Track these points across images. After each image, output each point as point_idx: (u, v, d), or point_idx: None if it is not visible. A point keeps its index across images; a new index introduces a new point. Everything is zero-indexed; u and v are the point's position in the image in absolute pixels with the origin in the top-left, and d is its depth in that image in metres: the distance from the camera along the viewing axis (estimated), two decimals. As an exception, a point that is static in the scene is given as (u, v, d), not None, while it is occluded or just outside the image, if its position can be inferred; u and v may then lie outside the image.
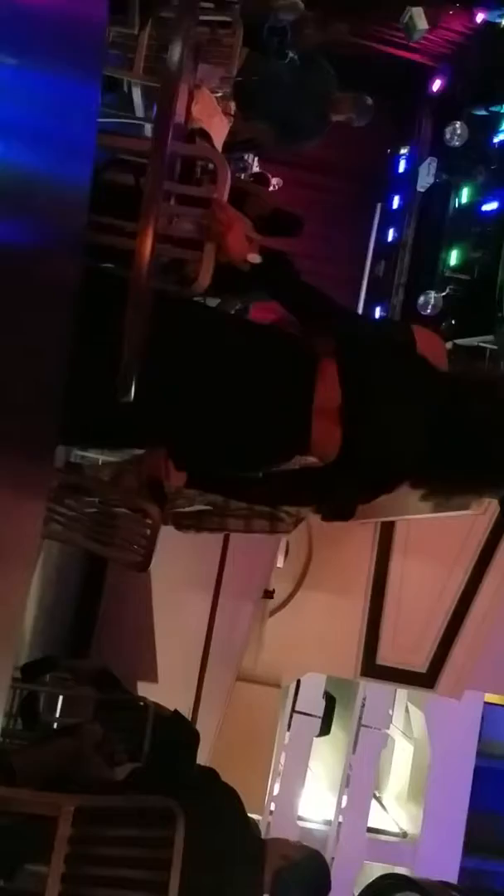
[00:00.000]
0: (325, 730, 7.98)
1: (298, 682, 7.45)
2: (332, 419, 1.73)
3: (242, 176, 5.73)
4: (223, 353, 1.79)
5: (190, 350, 1.78)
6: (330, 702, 7.98)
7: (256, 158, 6.60)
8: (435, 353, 1.80)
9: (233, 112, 4.16)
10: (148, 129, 3.31)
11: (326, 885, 2.60)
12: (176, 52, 1.80)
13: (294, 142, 4.80)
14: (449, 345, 7.58)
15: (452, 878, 7.57)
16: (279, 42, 4.30)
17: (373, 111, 4.73)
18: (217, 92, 3.80)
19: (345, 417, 1.72)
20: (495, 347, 7.09)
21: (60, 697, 3.66)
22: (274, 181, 6.45)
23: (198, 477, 1.88)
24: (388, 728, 8.62)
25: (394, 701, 8.68)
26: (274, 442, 1.80)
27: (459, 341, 7.37)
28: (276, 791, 7.51)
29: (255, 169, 6.36)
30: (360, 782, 8.27)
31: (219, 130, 3.66)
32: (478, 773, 8.64)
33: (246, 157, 6.23)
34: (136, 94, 3.58)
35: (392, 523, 6.48)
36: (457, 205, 7.96)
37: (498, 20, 7.93)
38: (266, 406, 1.77)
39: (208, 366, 1.78)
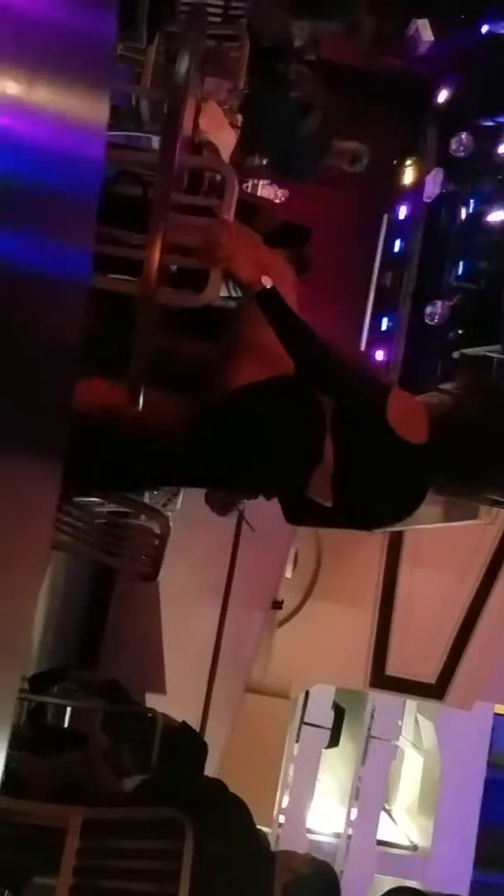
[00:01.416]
0: (334, 741, 7.95)
1: (307, 693, 7.42)
2: (327, 483, 1.83)
3: (250, 188, 5.76)
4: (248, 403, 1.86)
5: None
6: (339, 713, 7.95)
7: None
8: (409, 421, 1.85)
9: (240, 124, 4.18)
10: (156, 141, 3.33)
11: (336, 899, 2.57)
12: (183, 66, 1.82)
13: (288, 178, 4.83)
14: (456, 354, 7.58)
15: (464, 891, 7.50)
16: (281, 67, 4.34)
17: (369, 156, 4.77)
18: (224, 104, 3.82)
19: (336, 485, 1.82)
20: (503, 357, 7.08)
21: (68, 709, 3.65)
22: (279, 193, 6.47)
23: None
24: (397, 739, 8.57)
25: (403, 712, 8.63)
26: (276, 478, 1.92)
27: (466, 351, 7.37)
28: (284, 803, 7.48)
29: (263, 182, 6.39)
30: (369, 794, 8.22)
31: (226, 143, 3.68)
32: (488, 785, 8.57)
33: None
34: (144, 108, 3.61)
35: (401, 534, 6.47)
36: (463, 215, 7.98)
37: (503, 32, 7.96)
38: (287, 458, 1.87)
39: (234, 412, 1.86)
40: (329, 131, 4.48)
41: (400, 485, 1.89)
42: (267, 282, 1.83)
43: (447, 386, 1.97)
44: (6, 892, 2.38)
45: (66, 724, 3.58)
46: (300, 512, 1.96)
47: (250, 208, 3.47)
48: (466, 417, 1.86)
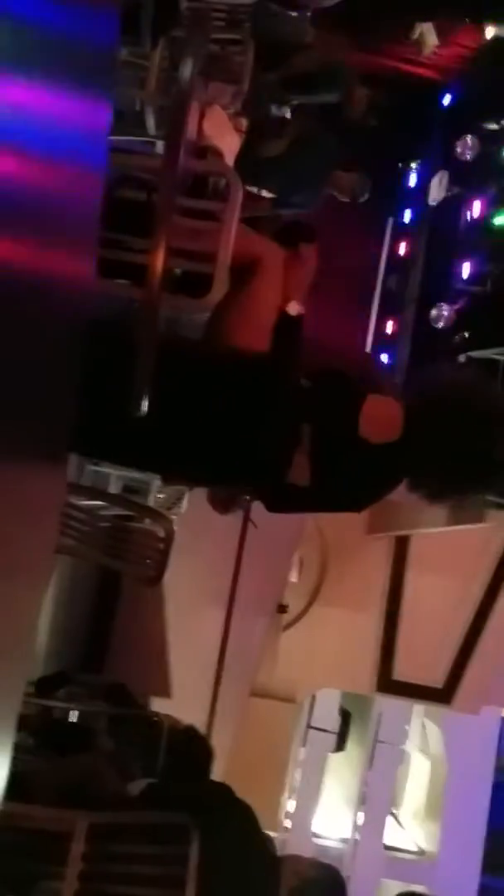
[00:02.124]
0: (340, 746, 7.92)
1: (313, 697, 7.40)
2: (304, 474, 1.85)
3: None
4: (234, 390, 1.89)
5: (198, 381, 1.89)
6: (345, 717, 7.93)
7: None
8: (384, 427, 1.88)
9: (244, 129, 4.19)
10: (160, 146, 3.34)
11: (343, 904, 2.57)
12: (187, 71, 1.82)
13: (286, 208, 4.81)
14: (462, 357, 7.56)
15: (471, 897, 7.47)
16: (282, 82, 4.34)
17: (369, 187, 4.74)
18: (228, 109, 3.83)
19: (313, 467, 1.85)
20: (509, 359, 7.07)
21: (74, 712, 3.65)
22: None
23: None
24: (404, 744, 8.54)
25: (410, 716, 8.60)
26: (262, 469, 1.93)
27: (473, 354, 7.36)
28: (291, 807, 7.45)
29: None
30: (376, 799, 8.19)
31: (230, 148, 3.69)
32: (495, 789, 8.54)
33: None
34: (149, 113, 3.62)
35: (407, 538, 6.45)
36: (468, 218, 7.97)
37: (508, 34, 7.95)
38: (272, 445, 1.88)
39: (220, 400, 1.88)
40: (327, 165, 4.40)
41: (373, 472, 1.90)
42: (293, 308, 1.88)
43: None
44: (12, 896, 2.38)
45: (72, 725, 3.58)
46: (280, 499, 1.97)
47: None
48: (436, 415, 1.87)
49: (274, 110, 4.30)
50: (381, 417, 1.89)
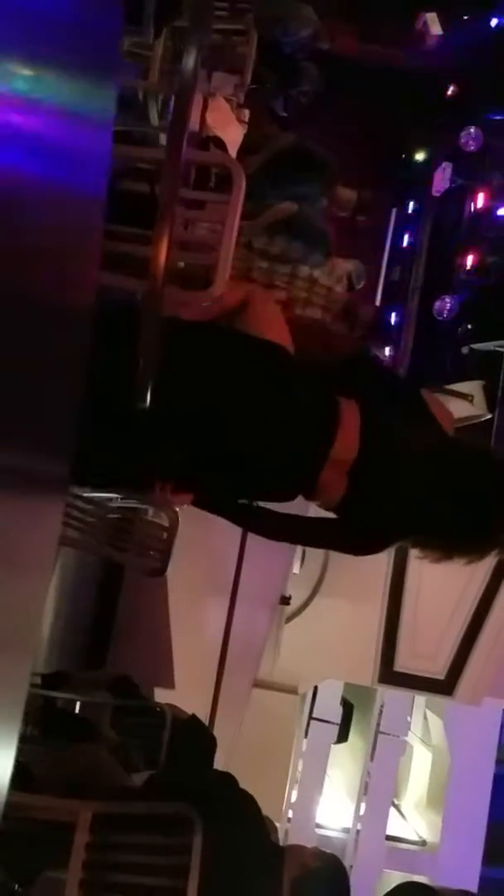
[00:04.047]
0: (342, 737, 7.94)
1: (316, 688, 7.42)
2: (342, 470, 1.74)
3: None
4: (252, 382, 1.78)
5: (219, 374, 1.79)
6: (347, 709, 7.95)
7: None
8: (444, 418, 1.86)
9: (247, 120, 4.17)
10: (163, 137, 3.33)
11: (346, 893, 2.58)
12: (190, 62, 1.81)
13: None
14: (465, 349, 7.55)
15: (472, 887, 7.50)
16: (293, 70, 4.28)
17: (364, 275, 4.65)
18: (231, 100, 3.82)
19: (356, 472, 1.74)
20: (512, 351, 7.06)
21: (78, 703, 3.67)
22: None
23: (204, 500, 1.90)
24: (406, 735, 8.57)
25: (412, 708, 8.62)
26: (286, 481, 1.80)
27: (475, 346, 7.35)
28: (293, 798, 7.48)
29: None
30: (378, 790, 8.22)
31: (234, 138, 3.68)
32: (497, 780, 8.56)
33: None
34: (151, 104, 3.61)
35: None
36: (472, 209, 7.95)
37: (512, 24, 7.91)
38: (285, 441, 1.77)
39: (235, 391, 1.78)
40: (330, 182, 4.23)
41: (425, 478, 1.77)
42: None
43: (453, 386, 1.98)
44: (16, 885, 2.39)
45: (76, 717, 3.59)
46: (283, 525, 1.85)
47: None
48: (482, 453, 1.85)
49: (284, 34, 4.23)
50: (441, 407, 1.84)
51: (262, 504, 1.88)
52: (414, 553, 1.88)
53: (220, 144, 3.40)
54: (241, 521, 1.99)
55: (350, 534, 1.81)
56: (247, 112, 4.15)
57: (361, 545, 1.86)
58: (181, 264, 2.38)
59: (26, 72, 0.88)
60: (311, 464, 1.75)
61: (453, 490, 1.76)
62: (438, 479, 1.76)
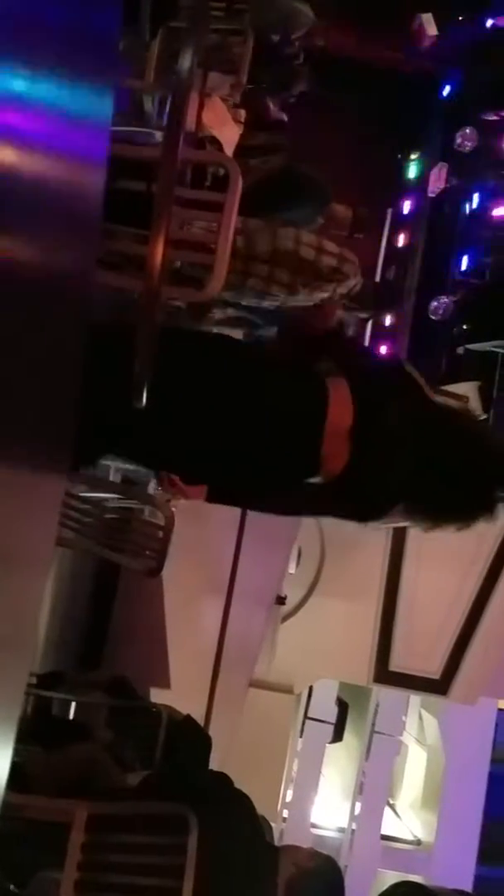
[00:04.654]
0: (337, 736, 7.95)
1: (311, 688, 7.43)
2: (343, 437, 1.81)
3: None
4: (241, 380, 1.86)
5: (208, 377, 1.85)
6: (343, 708, 7.96)
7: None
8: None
9: (243, 119, 4.17)
10: (159, 137, 3.33)
11: (340, 893, 2.58)
12: (186, 62, 1.81)
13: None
14: (461, 350, 7.56)
15: (467, 886, 7.50)
16: (287, 70, 4.26)
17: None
18: (227, 100, 3.82)
19: (356, 435, 1.80)
20: (507, 352, 7.07)
21: (73, 704, 3.67)
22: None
23: (216, 492, 1.94)
24: (401, 735, 8.57)
25: (407, 707, 8.63)
26: (290, 462, 1.86)
27: (471, 346, 7.36)
28: (288, 798, 7.49)
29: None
30: (373, 789, 8.22)
31: (230, 138, 3.68)
32: (492, 780, 8.58)
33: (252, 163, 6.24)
34: (148, 103, 3.61)
35: (404, 529, 6.45)
36: (467, 210, 7.96)
37: (508, 25, 7.92)
38: (283, 427, 1.84)
39: (226, 392, 1.84)
40: (323, 206, 4.15)
41: (417, 438, 1.85)
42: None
43: (449, 387, 2.02)
44: (12, 886, 2.39)
45: (71, 718, 3.59)
46: (311, 498, 1.91)
47: None
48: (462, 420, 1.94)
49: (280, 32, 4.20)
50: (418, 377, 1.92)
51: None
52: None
53: (217, 144, 3.40)
54: (250, 504, 2.06)
55: (355, 498, 1.87)
56: (243, 112, 4.15)
57: (365, 509, 1.93)
58: (177, 263, 2.38)
59: (23, 72, 0.88)
60: (310, 441, 1.82)
61: (445, 450, 1.85)
62: (429, 440, 1.85)
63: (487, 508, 1.88)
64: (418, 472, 1.83)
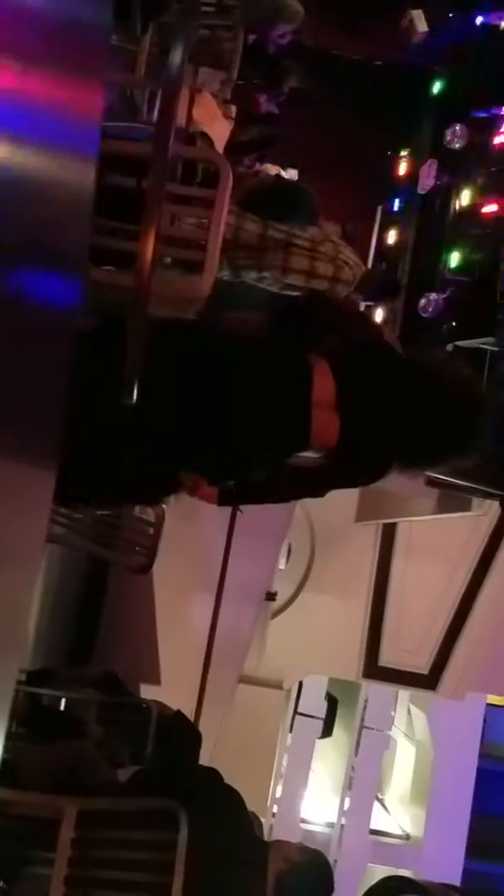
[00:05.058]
0: (327, 732, 7.97)
1: (300, 683, 7.45)
2: (330, 408, 1.90)
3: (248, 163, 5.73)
4: (228, 364, 1.91)
5: (197, 365, 1.90)
6: (332, 703, 7.98)
7: (257, 162, 6.61)
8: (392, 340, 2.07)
9: (234, 115, 4.16)
10: (149, 132, 3.32)
11: (329, 888, 2.59)
12: (177, 57, 1.81)
13: None
14: (450, 346, 7.57)
15: (456, 880, 7.55)
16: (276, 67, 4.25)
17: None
18: (217, 96, 3.81)
19: (342, 405, 1.89)
20: (496, 349, 7.09)
21: (63, 700, 3.66)
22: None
23: (224, 491, 2.03)
24: (390, 730, 8.61)
25: (396, 702, 8.67)
26: (280, 438, 1.94)
27: (460, 343, 7.37)
28: (278, 793, 7.51)
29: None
30: (362, 784, 8.26)
31: (220, 134, 3.67)
32: (480, 775, 8.63)
33: (246, 160, 6.24)
34: (138, 99, 3.59)
35: (394, 525, 6.48)
36: (457, 207, 7.96)
37: (497, 22, 7.93)
38: (270, 406, 1.91)
39: (215, 377, 1.90)
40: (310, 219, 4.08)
41: (399, 394, 1.95)
42: None
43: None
44: (1, 882, 2.39)
45: (61, 714, 3.59)
46: (288, 482, 2.01)
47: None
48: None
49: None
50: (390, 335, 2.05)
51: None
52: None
53: (207, 141, 3.39)
54: (253, 498, 2.13)
55: (353, 466, 1.98)
56: (233, 108, 4.14)
57: (367, 472, 2.03)
58: (167, 259, 2.38)
59: (14, 66, 0.88)
60: (300, 413, 1.90)
61: (427, 399, 1.96)
62: (410, 394, 1.96)
63: (477, 438, 2.00)
64: (408, 427, 1.95)
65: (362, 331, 2.05)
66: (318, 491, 2.12)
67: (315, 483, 2.07)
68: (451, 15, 8.29)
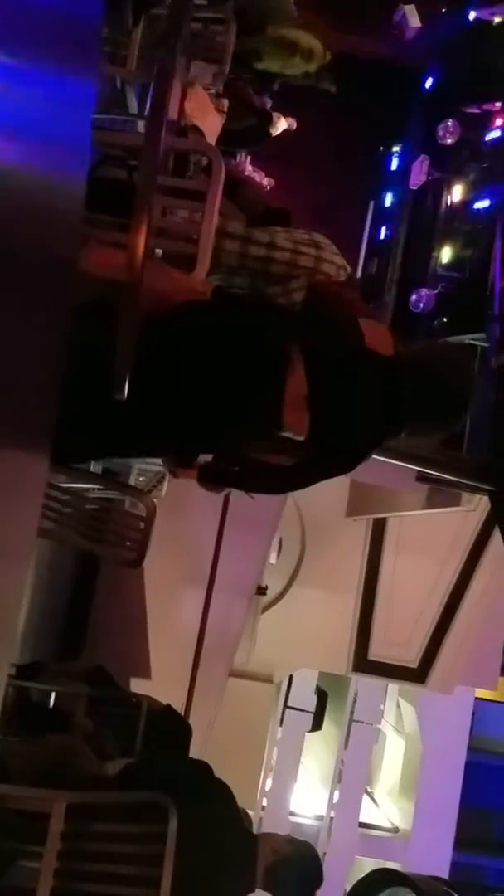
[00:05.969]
0: (317, 725, 8.00)
1: (290, 677, 7.47)
2: (301, 407, 1.97)
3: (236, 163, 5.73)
4: (213, 348, 1.98)
5: (184, 347, 1.94)
6: (322, 697, 8.01)
7: (248, 157, 6.60)
8: (381, 342, 2.08)
9: (225, 109, 4.15)
10: (141, 125, 3.30)
11: (318, 879, 2.61)
12: (169, 50, 1.80)
13: None
14: (441, 342, 7.58)
15: (443, 873, 7.61)
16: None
17: None
18: (210, 89, 3.79)
19: (312, 403, 1.96)
20: (486, 345, 7.11)
21: (52, 694, 3.66)
22: (266, 181, 6.45)
23: (204, 468, 2.11)
24: (379, 723, 8.65)
25: (385, 696, 8.71)
26: (253, 411, 2.02)
27: (451, 339, 7.38)
28: (268, 786, 7.54)
29: (248, 166, 6.37)
30: (351, 777, 8.30)
31: (212, 127, 3.65)
32: (468, 768, 8.68)
33: (238, 155, 6.23)
34: (129, 91, 3.58)
35: (384, 520, 6.51)
36: (449, 202, 7.97)
37: (489, 18, 7.93)
38: (244, 390, 1.99)
39: (200, 360, 1.96)
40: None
41: (372, 401, 2.02)
42: None
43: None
44: (-9, 875, 2.39)
45: (50, 708, 3.59)
46: (265, 475, 2.09)
47: (236, 184, 3.43)
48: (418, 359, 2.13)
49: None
50: (378, 332, 2.07)
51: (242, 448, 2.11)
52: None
53: (199, 133, 3.38)
54: (243, 484, 2.20)
55: (329, 456, 2.06)
56: (225, 102, 4.13)
57: (341, 462, 2.09)
58: (159, 251, 2.37)
59: (4, 58, 0.87)
60: (272, 397, 1.96)
61: (400, 394, 2.04)
62: (385, 389, 2.03)
63: (462, 410, 2.13)
64: (389, 414, 2.03)
65: (346, 337, 2.09)
66: (293, 481, 2.18)
67: (296, 477, 2.13)
68: (443, 10, 8.29)
